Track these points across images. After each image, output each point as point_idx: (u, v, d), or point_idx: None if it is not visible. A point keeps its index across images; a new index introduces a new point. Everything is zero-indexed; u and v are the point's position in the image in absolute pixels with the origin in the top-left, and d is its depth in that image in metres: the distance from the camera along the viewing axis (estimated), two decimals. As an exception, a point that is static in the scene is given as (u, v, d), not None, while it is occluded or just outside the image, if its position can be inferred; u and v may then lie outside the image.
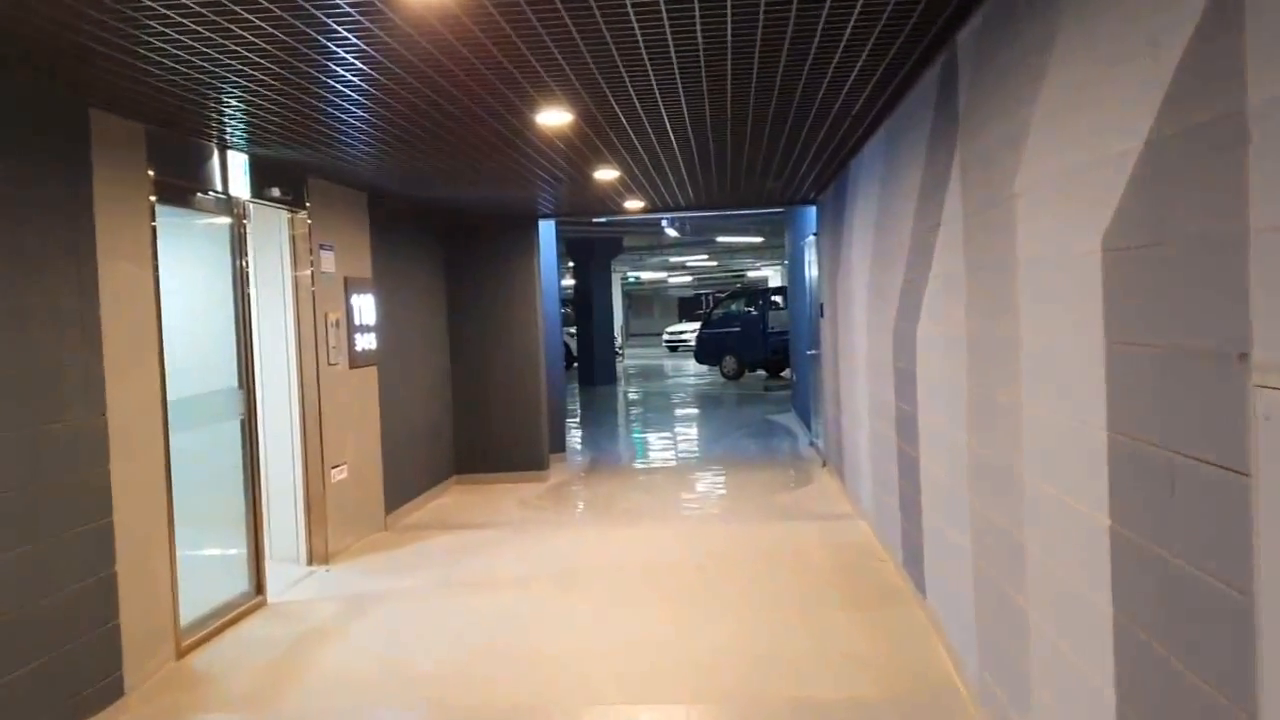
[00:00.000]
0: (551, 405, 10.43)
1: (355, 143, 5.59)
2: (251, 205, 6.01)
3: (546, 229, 10.73)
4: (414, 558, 6.92)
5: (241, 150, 5.62)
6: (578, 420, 15.06)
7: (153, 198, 4.81)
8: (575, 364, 22.69)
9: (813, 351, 10.71)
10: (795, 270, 13.50)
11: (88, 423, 4.21)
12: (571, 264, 21.69)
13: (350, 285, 7.35)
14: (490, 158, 6.21)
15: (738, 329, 22.02)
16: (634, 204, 9.23)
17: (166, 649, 4.79)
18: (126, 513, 4.47)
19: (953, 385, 4.26)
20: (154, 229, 4.81)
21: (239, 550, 5.79)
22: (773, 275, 32.12)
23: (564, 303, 22.18)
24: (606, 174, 7.16)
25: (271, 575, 6.14)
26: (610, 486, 9.52)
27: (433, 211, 9.17)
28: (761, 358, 21.59)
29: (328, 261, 7.01)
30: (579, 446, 12.17)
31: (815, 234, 10.14)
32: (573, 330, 22.89)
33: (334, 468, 6.92)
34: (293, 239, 6.66)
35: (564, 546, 7.13)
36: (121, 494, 4.43)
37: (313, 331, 6.71)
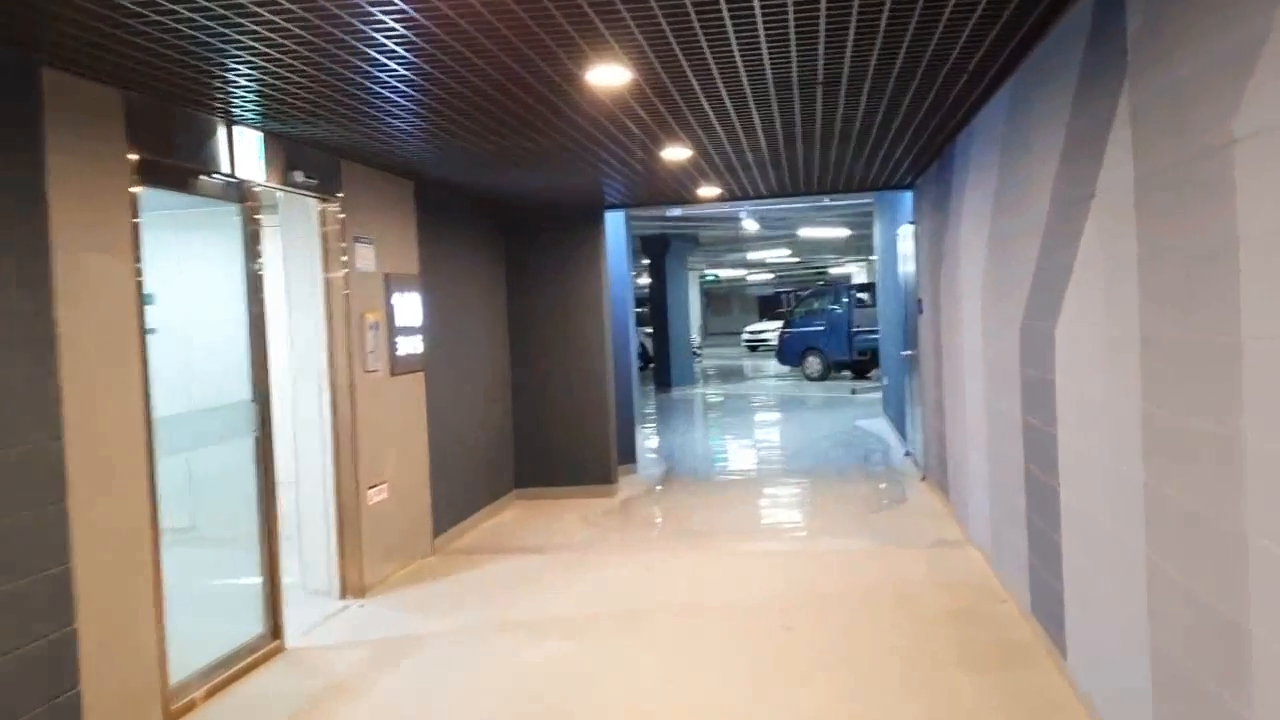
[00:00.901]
0: (621, 412, 9.57)
1: (388, 117, 4.81)
2: (272, 192, 5.30)
3: (615, 223, 9.87)
4: (460, 591, 6.13)
5: (254, 126, 4.89)
6: (652, 426, 14.19)
7: (134, 183, 4.07)
8: (650, 365, 21.83)
9: (908, 352, 9.66)
10: (886, 263, 12.42)
11: (36, 448, 3.46)
12: (646, 261, 20.82)
13: (392, 283, 6.60)
14: (543, 134, 5.39)
15: (822, 327, 20.88)
16: (708, 191, 8.33)
17: (150, 716, 4.05)
18: (93, 556, 3.73)
19: (1116, 401, 3.28)
20: (135, 219, 4.07)
21: (255, 580, 5.07)
22: (857, 272, 30.76)
23: (639, 302, 21.29)
24: (676, 153, 6.28)
25: (297, 612, 5.42)
26: (684, 503, 8.63)
27: (489, 201, 8.38)
28: (848, 358, 20.43)
29: (365, 256, 6.26)
30: (652, 455, 11.29)
31: (911, 222, 9.10)
32: (648, 330, 22.01)
33: (372, 488, 6.17)
34: (324, 231, 5.93)
35: (629, 578, 6.26)
36: (86, 533, 3.68)
37: (346, 335, 5.97)
